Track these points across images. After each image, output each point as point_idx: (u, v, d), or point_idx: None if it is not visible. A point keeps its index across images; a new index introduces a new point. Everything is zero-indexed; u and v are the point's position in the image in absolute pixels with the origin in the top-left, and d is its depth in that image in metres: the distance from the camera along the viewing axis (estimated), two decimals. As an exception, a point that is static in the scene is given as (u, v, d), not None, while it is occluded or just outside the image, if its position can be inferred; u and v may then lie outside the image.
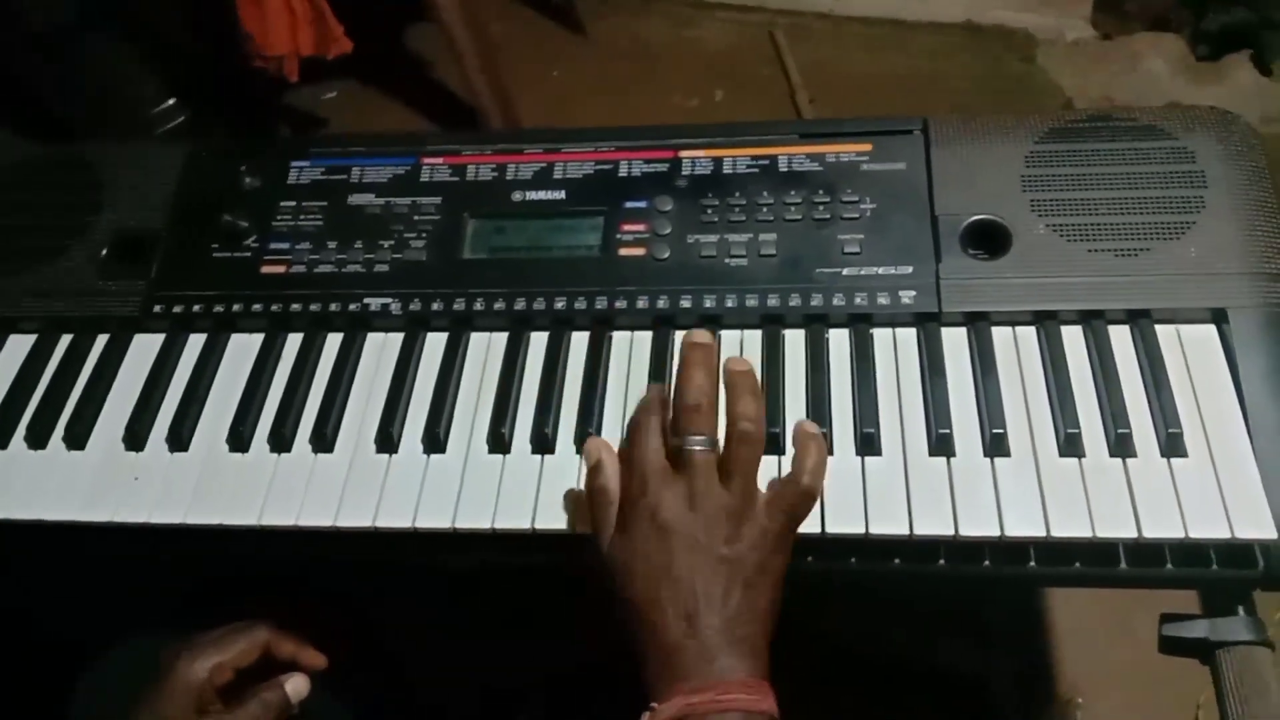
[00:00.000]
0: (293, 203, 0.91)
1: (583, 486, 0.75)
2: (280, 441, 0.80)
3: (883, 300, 0.79)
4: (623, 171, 0.89)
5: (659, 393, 0.69)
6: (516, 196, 0.89)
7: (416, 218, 0.88)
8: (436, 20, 1.83)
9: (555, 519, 0.74)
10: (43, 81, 1.87)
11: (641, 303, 0.82)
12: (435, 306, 0.84)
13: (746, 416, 0.65)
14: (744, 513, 0.63)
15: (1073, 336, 0.78)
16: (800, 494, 0.64)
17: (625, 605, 0.63)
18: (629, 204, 0.87)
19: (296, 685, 0.79)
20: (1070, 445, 0.72)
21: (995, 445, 0.73)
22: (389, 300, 0.85)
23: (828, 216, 0.83)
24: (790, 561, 0.64)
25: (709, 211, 0.85)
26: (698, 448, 0.64)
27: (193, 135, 2.01)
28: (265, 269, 0.88)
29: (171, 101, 2.04)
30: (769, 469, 0.72)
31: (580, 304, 0.83)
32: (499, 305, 0.84)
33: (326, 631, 0.85)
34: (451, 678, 1.13)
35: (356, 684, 0.93)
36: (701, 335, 0.69)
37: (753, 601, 0.61)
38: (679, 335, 0.81)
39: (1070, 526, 0.69)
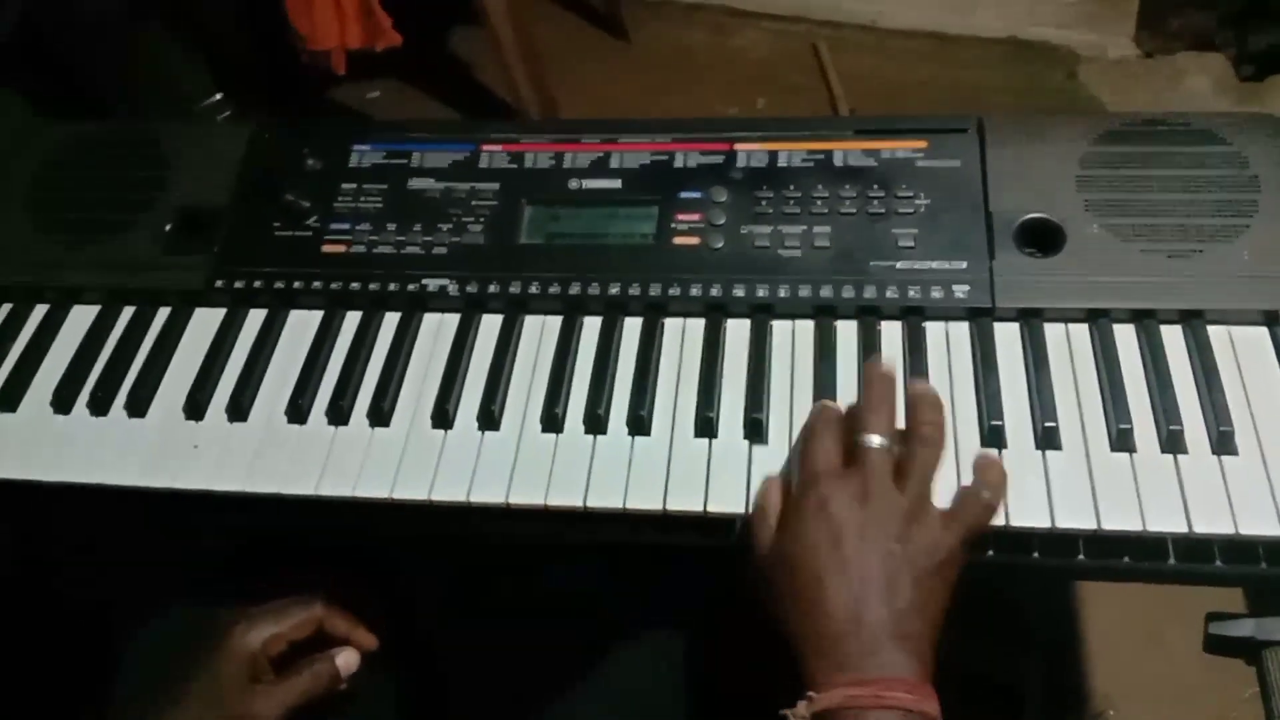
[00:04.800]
0: (354, 185, 0.92)
1: (632, 465, 0.76)
2: (338, 415, 0.82)
3: (936, 294, 0.80)
4: (678, 162, 0.90)
5: (835, 407, 0.70)
6: (573, 184, 0.90)
7: (474, 203, 0.90)
8: (483, 22, 1.85)
9: (607, 496, 0.75)
10: (94, 73, 1.91)
11: (695, 291, 0.83)
12: (491, 289, 0.86)
13: (929, 421, 0.66)
14: (918, 515, 0.63)
15: (1125, 335, 0.78)
16: (981, 506, 0.65)
17: (788, 600, 0.62)
18: (684, 194, 0.88)
19: (347, 659, 0.80)
20: (1122, 440, 0.72)
21: (1047, 438, 0.73)
22: (446, 282, 0.86)
23: (882, 211, 0.84)
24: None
25: (763, 203, 0.86)
26: (876, 443, 0.64)
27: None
28: (326, 248, 0.89)
29: (218, 96, 2.07)
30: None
31: (634, 290, 0.84)
32: (554, 289, 0.85)
33: (365, 613, 0.86)
34: (484, 662, 1.13)
35: (393, 666, 0.94)
36: (887, 367, 0.70)
37: (922, 601, 0.61)
38: (730, 324, 0.83)
39: (1121, 519, 0.69)
